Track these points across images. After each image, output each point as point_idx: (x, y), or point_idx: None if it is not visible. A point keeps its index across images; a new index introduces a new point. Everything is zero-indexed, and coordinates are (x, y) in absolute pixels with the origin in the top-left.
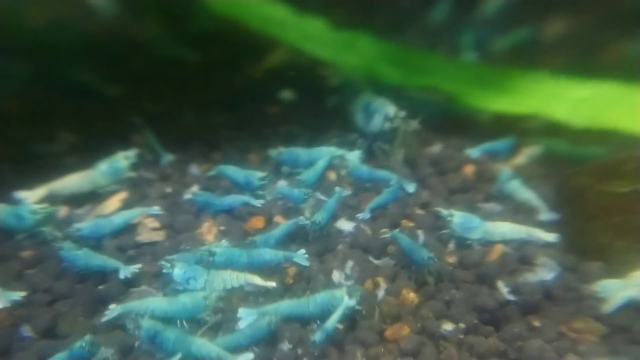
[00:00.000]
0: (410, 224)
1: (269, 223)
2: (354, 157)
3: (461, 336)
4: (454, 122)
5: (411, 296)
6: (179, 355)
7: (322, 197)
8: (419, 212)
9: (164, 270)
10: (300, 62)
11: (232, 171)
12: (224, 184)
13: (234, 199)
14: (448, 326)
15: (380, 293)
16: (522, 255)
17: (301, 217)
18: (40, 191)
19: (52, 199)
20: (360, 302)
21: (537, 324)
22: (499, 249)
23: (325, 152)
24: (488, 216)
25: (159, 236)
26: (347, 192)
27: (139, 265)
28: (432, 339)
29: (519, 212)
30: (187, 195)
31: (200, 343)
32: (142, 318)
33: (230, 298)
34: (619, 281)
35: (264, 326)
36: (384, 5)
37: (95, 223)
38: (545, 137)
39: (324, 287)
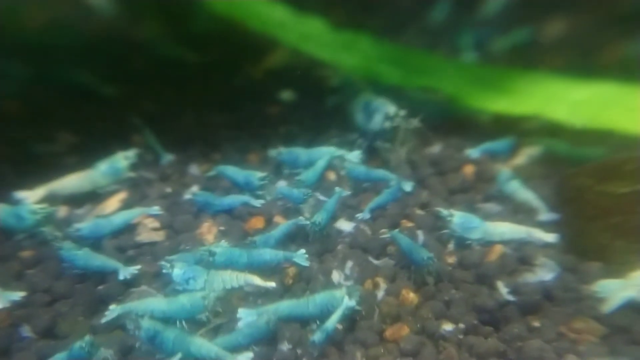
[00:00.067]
0: (410, 224)
1: (269, 223)
2: (353, 157)
3: (461, 336)
4: (453, 123)
5: (411, 296)
6: (179, 356)
7: (322, 198)
8: (419, 212)
9: (164, 271)
10: (300, 63)
11: (232, 171)
12: (224, 184)
13: (233, 199)
14: (448, 326)
15: (380, 293)
16: (521, 256)
17: (301, 217)
18: (40, 191)
19: (51, 199)
20: (360, 302)
21: (536, 324)
22: (498, 249)
23: (324, 152)
24: (488, 216)
25: (158, 236)
26: (347, 192)
27: (138, 266)
28: (431, 339)
29: (519, 212)
30: (187, 196)
31: (199, 343)
32: (142, 318)
33: (229, 298)
34: (618, 281)
35: (262, 326)
36: (383, 6)
37: (95, 223)
38: (545, 137)
39: (323, 287)
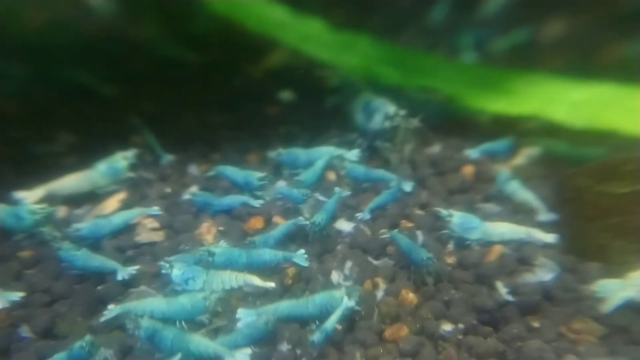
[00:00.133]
0: (410, 225)
1: (268, 223)
2: (352, 156)
3: (460, 337)
4: (453, 123)
5: (410, 296)
6: (179, 356)
7: (322, 198)
8: (418, 212)
9: (163, 271)
10: (300, 63)
11: (231, 171)
12: (223, 185)
13: (233, 200)
14: (447, 327)
15: (380, 293)
16: (521, 256)
17: (300, 218)
18: (39, 191)
19: (51, 199)
20: (360, 302)
21: (536, 324)
22: (498, 249)
23: (324, 152)
24: (487, 217)
25: (158, 236)
26: (347, 192)
27: (136, 267)
28: (431, 339)
29: (518, 212)
30: (187, 196)
31: (198, 341)
32: (142, 318)
33: (229, 299)
34: (617, 281)
35: (261, 326)
36: (383, 6)
37: (94, 223)
38: (545, 137)
39: (323, 287)
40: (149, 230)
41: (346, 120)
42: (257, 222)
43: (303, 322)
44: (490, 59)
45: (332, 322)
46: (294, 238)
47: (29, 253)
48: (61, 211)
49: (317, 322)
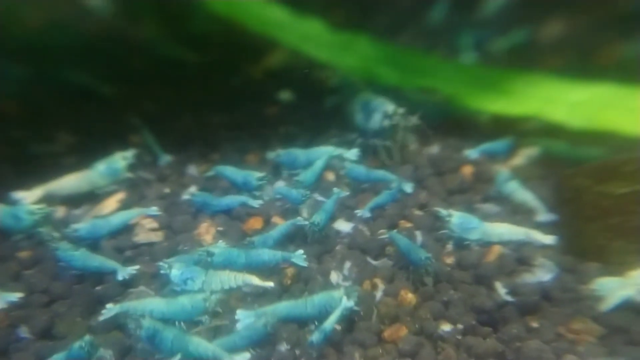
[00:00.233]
0: (409, 225)
1: (267, 224)
2: (352, 155)
3: (459, 337)
4: (452, 123)
5: (409, 297)
6: (178, 356)
7: (321, 198)
8: (417, 212)
9: (162, 271)
10: (299, 63)
11: (230, 171)
12: (223, 185)
13: (232, 200)
14: (446, 327)
15: (378, 294)
16: (520, 256)
17: (299, 218)
18: (37, 191)
19: (49, 200)
20: (358, 303)
21: (535, 324)
22: (497, 249)
23: (323, 152)
24: (486, 217)
25: (157, 237)
26: (346, 193)
27: (137, 267)
28: (430, 339)
29: (517, 213)
30: (185, 196)
31: (197, 342)
32: (143, 318)
33: (228, 299)
34: (617, 279)
35: (260, 328)
36: (382, 7)
37: (93, 224)
38: (544, 138)
39: (322, 288)
40: (147, 231)
41: (346, 120)
42: (256, 223)
43: (302, 322)
44: (489, 59)
45: (331, 322)
46: (293, 238)
47: (28, 253)
48: (60, 211)
49: (316, 323)
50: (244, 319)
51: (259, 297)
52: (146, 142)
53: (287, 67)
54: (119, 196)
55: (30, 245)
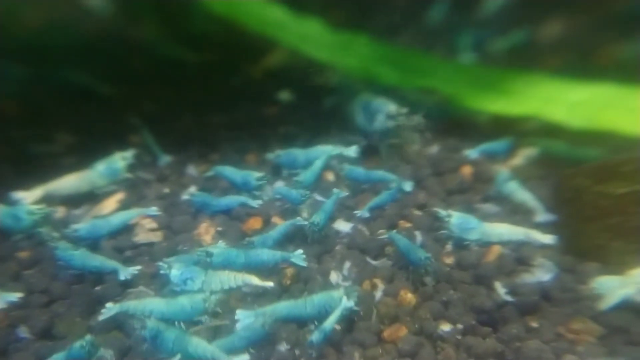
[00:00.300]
0: (408, 225)
1: (267, 224)
2: (351, 152)
3: (459, 337)
4: (452, 123)
5: (409, 297)
6: (178, 356)
7: (320, 198)
8: (417, 212)
9: (162, 271)
10: (299, 63)
11: (230, 171)
12: (222, 185)
13: (231, 200)
14: (446, 327)
15: (378, 294)
16: (519, 256)
17: (299, 218)
18: (37, 192)
19: (49, 200)
20: (358, 303)
21: (534, 324)
22: (496, 249)
23: (322, 152)
24: (486, 217)
25: (156, 237)
26: (345, 193)
27: (138, 267)
28: (429, 339)
29: (517, 213)
30: (185, 196)
31: (197, 343)
32: (147, 318)
33: (228, 299)
34: (617, 278)
35: (259, 328)
36: (381, 7)
37: (92, 224)
38: (543, 138)
39: (321, 288)
40: (147, 231)
41: (345, 120)
42: (255, 223)
43: (302, 322)
44: (489, 59)
45: (330, 322)
46: (292, 238)
47: (27, 253)
48: (59, 212)
49: (315, 323)
50: (244, 319)
51: (258, 297)
52: (146, 142)
53: (286, 67)
54: (119, 196)
55: (30, 245)
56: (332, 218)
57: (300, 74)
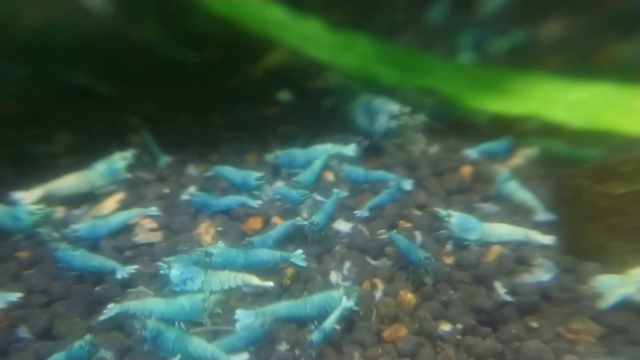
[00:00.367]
0: (408, 225)
1: (267, 224)
2: (350, 151)
3: (459, 337)
4: (451, 123)
5: (409, 297)
6: (178, 357)
7: (320, 198)
8: (417, 212)
9: (161, 271)
10: (298, 63)
11: (229, 171)
12: (222, 185)
13: (231, 200)
14: (446, 327)
15: (378, 294)
16: (519, 256)
17: (299, 218)
18: (37, 192)
19: (49, 200)
20: (358, 303)
21: (534, 324)
22: (496, 249)
23: (321, 151)
24: (485, 217)
25: (156, 237)
26: (345, 193)
27: (136, 266)
28: (429, 339)
29: (517, 213)
30: (185, 196)
31: (197, 343)
32: (147, 319)
33: (227, 299)
34: (617, 277)
35: (259, 328)
36: (381, 7)
37: (92, 224)
38: (543, 138)
39: (321, 288)
40: (147, 231)
41: (345, 120)
42: (255, 223)
43: (301, 322)
44: (488, 59)
45: (330, 322)
46: (292, 238)
47: (27, 254)
48: (59, 212)
49: (315, 323)
50: (244, 318)
51: (258, 297)
52: (145, 143)
53: (286, 67)
54: (118, 196)
55: (30, 245)
56: (332, 218)
57: (300, 74)
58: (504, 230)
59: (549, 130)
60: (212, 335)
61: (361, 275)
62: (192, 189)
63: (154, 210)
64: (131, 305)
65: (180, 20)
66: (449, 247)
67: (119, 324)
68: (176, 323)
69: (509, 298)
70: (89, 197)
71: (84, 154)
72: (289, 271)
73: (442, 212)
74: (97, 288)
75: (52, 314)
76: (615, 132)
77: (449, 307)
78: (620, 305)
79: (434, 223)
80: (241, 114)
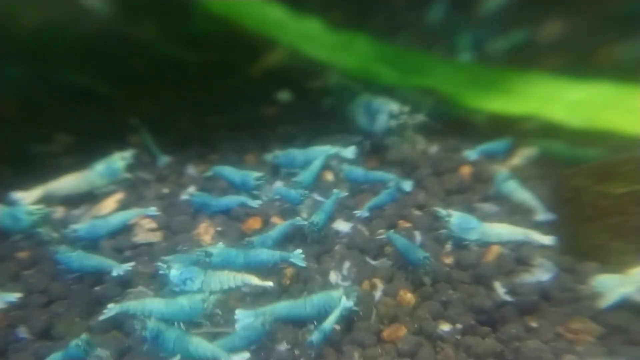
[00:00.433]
0: (408, 225)
1: (266, 224)
2: (349, 153)
3: (458, 337)
4: (451, 123)
5: (408, 297)
6: (178, 357)
7: (319, 198)
8: (416, 212)
9: (161, 272)
10: (298, 63)
11: (229, 172)
12: (221, 185)
13: (231, 200)
14: (445, 327)
15: (378, 294)
16: (519, 256)
17: (298, 218)
18: (36, 192)
19: (48, 200)
20: (358, 303)
21: (534, 324)
22: (496, 249)
23: (320, 152)
24: (485, 217)
25: (155, 237)
26: (344, 193)
27: (131, 264)
28: (429, 339)
29: (516, 213)
30: (184, 196)
31: (197, 343)
32: (147, 319)
33: (227, 299)
34: (616, 276)
35: (259, 328)
36: (381, 6)
37: (91, 224)
38: (542, 138)
39: (321, 288)
40: (146, 231)
41: (345, 120)
42: (255, 223)
43: (301, 322)
44: (488, 59)
45: (330, 322)
46: (292, 238)
47: (27, 254)
48: (59, 212)
49: (315, 323)
50: (244, 318)
51: (258, 297)
52: (145, 143)
53: (286, 67)
54: (118, 196)
55: (29, 245)
56: (331, 218)
57: (300, 74)
58: (504, 230)
59: (549, 130)
60: (213, 336)
61: (361, 275)
62: (191, 189)
63: (153, 210)
64: (131, 305)
65: (180, 20)
66: (448, 247)
67: (119, 324)
68: (176, 323)
69: (508, 298)
70: (89, 197)
71: (84, 154)
72: (289, 271)
73: (442, 212)
74: (97, 288)
75: (51, 314)
76: (615, 132)
77: (448, 307)
78: (620, 305)
79: (434, 223)
80: (241, 114)
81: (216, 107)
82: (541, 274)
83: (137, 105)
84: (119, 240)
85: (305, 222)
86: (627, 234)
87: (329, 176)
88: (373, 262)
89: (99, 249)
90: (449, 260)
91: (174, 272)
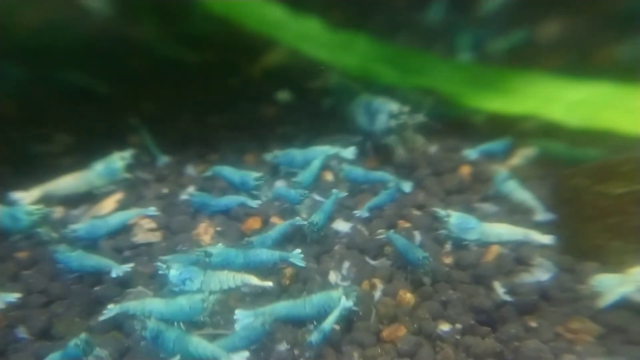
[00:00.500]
0: (407, 225)
1: (266, 224)
2: (348, 154)
3: (458, 337)
4: (450, 123)
5: (408, 297)
6: (178, 357)
7: (319, 198)
8: (416, 212)
9: (160, 272)
10: (298, 63)
11: (228, 172)
12: (221, 185)
13: (230, 200)
14: (445, 327)
15: (377, 294)
16: (518, 256)
17: (298, 218)
18: (35, 192)
19: (47, 200)
20: (357, 303)
21: (533, 324)
22: (495, 249)
23: (320, 152)
24: (484, 217)
25: (155, 237)
26: (344, 193)
27: (131, 264)
28: (428, 339)
29: (516, 212)
30: (184, 196)
31: (197, 342)
32: (147, 319)
33: (227, 299)
34: (616, 276)
35: (258, 328)
36: (380, 6)
37: (91, 224)
38: (542, 138)
39: (320, 288)
40: (146, 231)
41: (345, 120)
42: (254, 223)
43: (301, 322)
44: (487, 59)
45: (329, 322)
46: (291, 238)
47: (26, 254)
48: (58, 212)
49: (314, 323)
50: (243, 318)
51: (257, 297)
52: (144, 143)
53: (285, 67)
54: (117, 196)
55: (29, 245)
56: (331, 218)
57: (300, 74)
58: (503, 230)
59: (548, 130)
60: (212, 336)
61: (360, 275)
62: (191, 189)
63: (153, 210)
64: (130, 305)
65: (179, 20)
66: (448, 247)
67: (118, 324)
68: (175, 323)
69: (508, 298)
70: (88, 197)
71: (83, 154)
72: (288, 271)
73: (441, 212)
74: (96, 288)
75: (51, 315)
76: (615, 132)
77: (448, 307)
78: (619, 305)
79: (433, 223)
80: (240, 114)
81: (216, 107)
82: (541, 273)
83: (137, 105)
84: (118, 240)
85: (305, 222)
86: (626, 234)
87: (329, 176)
88: (372, 262)
89: (99, 249)
90: (448, 260)
91: (174, 272)
